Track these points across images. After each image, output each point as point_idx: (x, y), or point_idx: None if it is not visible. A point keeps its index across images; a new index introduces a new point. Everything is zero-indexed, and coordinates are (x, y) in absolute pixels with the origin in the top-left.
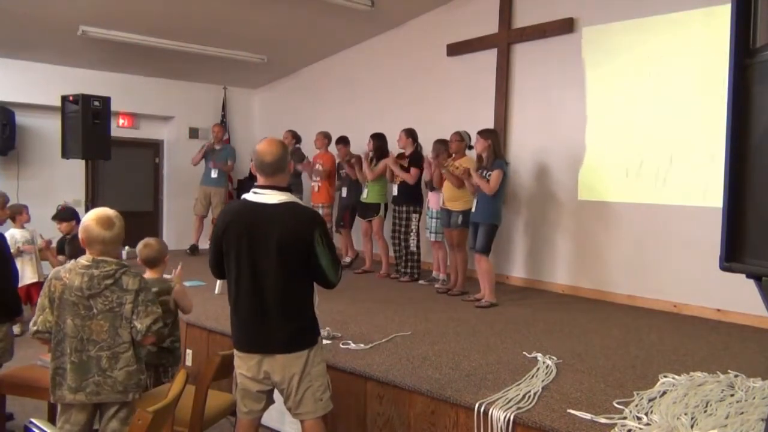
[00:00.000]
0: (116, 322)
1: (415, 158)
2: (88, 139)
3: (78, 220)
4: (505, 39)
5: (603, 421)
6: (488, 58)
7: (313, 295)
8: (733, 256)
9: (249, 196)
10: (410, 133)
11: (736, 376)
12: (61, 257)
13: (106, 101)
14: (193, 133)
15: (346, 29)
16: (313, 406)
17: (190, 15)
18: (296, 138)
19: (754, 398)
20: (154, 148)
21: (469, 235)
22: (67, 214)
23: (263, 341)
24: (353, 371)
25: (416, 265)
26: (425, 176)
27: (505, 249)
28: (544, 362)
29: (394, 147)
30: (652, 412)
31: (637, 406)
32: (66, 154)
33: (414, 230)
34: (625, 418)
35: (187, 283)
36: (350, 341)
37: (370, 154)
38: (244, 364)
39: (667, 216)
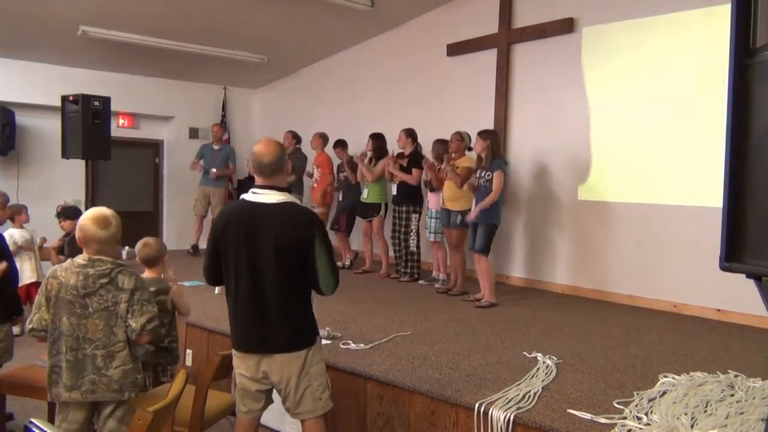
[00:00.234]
0: (111, 321)
1: (415, 158)
2: (88, 139)
3: None
4: (505, 39)
5: (603, 421)
6: (488, 58)
7: (312, 296)
8: (733, 256)
9: (248, 196)
10: (410, 133)
11: (736, 376)
12: (62, 257)
13: (106, 101)
14: (193, 133)
15: (346, 29)
16: (312, 405)
17: (190, 15)
18: (296, 138)
19: (754, 398)
20: (154, 148)
21: (469, 235)
22: (71, 213)
23: (261, 341)
24: (353, 371)
25: (416, 265)
26: (425, 176)
27: (505, 249)
28: (544, 362)
29: (394, 147)
30: (652, 412)
31: (637, 406)
32: (66, 154)
33: (414, 230)
34: (625, 418)
35: (186, 283)
36: (350, 341)
37: (369, 154)
38: (242, 364)
39: (667, 216)
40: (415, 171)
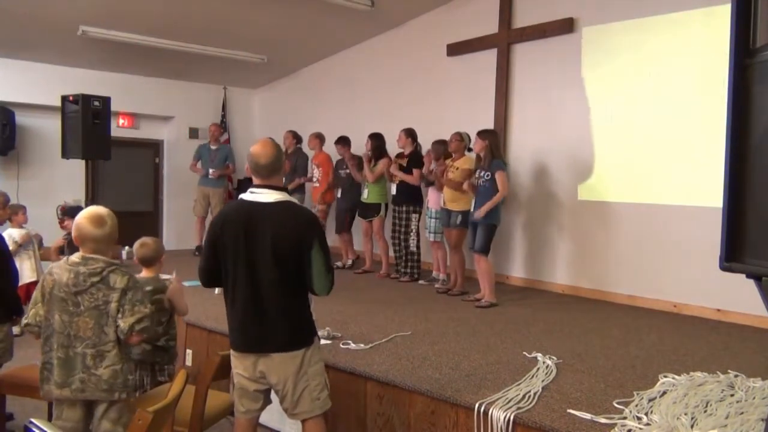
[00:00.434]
0: (102, 320)
1: (415, 158)
2: (88, 139)
3: None
4: (505, 39)
5: (603, 421)
6: (488, 58)
7: (309, 295)
8: (733, 256)
9: (246, 196)
10: (410, 133)
11: (736, 376)
12: (62, 257)
13: (106, 101)
14: (193, 133)
15: (346, 29)
16: (310, 405)
17: (190, 15)
18: (297, 138)
19: (754, 398)
20: (154, 148)
21: (468, 235)
22: (74, 212)
23: (259, 341)
24: (353, 371)
25: (416, 265)
26: (423, 169)
27: (505, 249)
28: (544, 362)
29: (394, 147)
30: (652, 412)
31: (637, 406)
32: (66, 154)
33: (414, 230)
34: (625, 418)
35: (187, 284)
36: (350, 341)
37: (369, 154)
38: (240, 364)
39: (667, 216)
40: (415, 171)
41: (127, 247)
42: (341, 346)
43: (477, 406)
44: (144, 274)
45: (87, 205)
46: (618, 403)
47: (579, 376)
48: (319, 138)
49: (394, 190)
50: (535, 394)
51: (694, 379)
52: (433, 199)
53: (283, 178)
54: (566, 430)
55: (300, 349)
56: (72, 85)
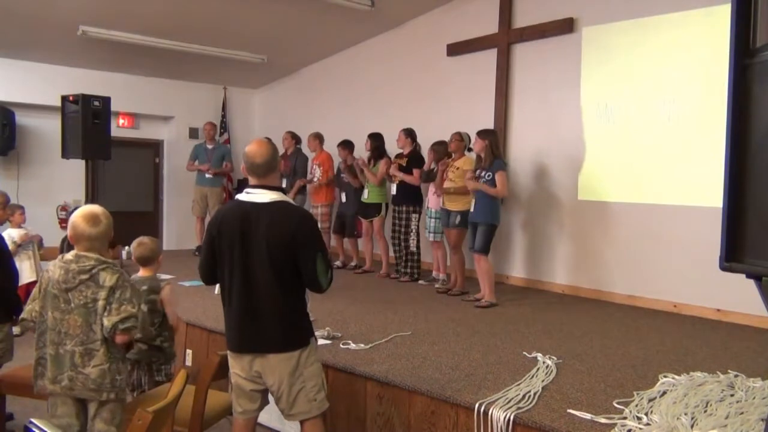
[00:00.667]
0: (90, 318)
1: (415, 158)
2: (88, 139)
3: None
4: (505, 39)
5: (603, 421)
6: (488, 58)
7: (305, 295)
8: (733, 256)
9: (241, 196)
10: (409, 133)
11: (736, 376)
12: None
13: (106, 101)
14: (193, 133)
15: (346, 29)
16: (306, 406)
17: (190, 15)
18: (296, 139)
19: (754, 398)
20: (154, 148)
21: (468, 235)
22: None
23: (253, 341)
24: (353, 371)
25: (416, 265)
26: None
27: (505, 249)
28: (544, 362)
29: (393, 147)
30: (652, 412)
31: (637, 406)
32: (66, 154)
33: (414, 230)
34: (625, 418)
35: (187, 283)
36: (350, 341)
37: (361, 159)
38: (237, 364)
39: (667, 216)
40: (415, 171)
41: (127, 247)
42: (341, 346)
43: (477, 406)
44: (141, 273)
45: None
46: (618, 403)
47: (579, 376)
48: (319, 138)
49: (394, 190)
50: (535, 394)
51: (694, 379)
52: (433, 199)
53: (282, 178)
54: (566, 430)
55: (295, 349)
56: (72, 85)
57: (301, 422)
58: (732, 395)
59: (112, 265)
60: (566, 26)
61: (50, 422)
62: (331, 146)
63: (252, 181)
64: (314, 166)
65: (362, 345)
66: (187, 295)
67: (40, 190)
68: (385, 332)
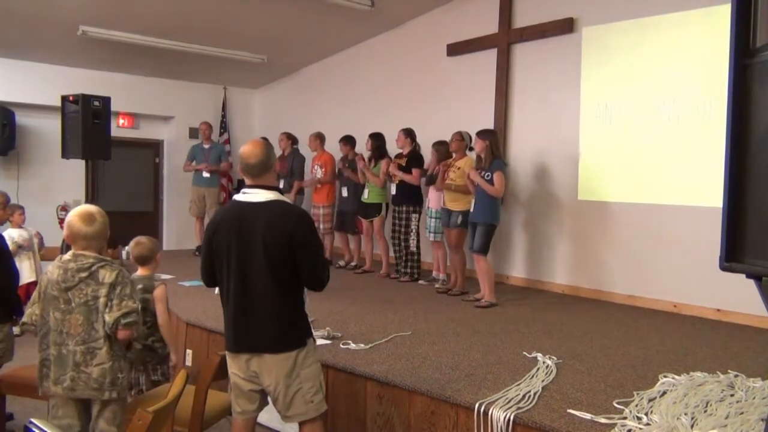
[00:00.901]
0: (92, 317)
1: (415, 158)
2: (88, 139)
3: None
4: (505, 39)
5: (603, 421)
6: (488, 58)
7: (303, 295)
8: (733, 256)
9: (238, 197)
10: (408, 133)
11: (736, 376)
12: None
13: (106, 101)
14: (193, 133)
15: (346, 29)
16: (303, 408)
17: (190, 15)
18: (292, 139)
19: (754, 398)
20: (154, 148)
21: (468, 234)
22: None
23: (250, 340)
24: (353, 371)
25: (416, 265)
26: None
27: (505, 249)
28: (544, 362)
29: (393, 147)
30: (652, 412)
31: (637, 406)
32: (66, 154)
33: (414, 230)
34: (625, 418)
35: (187, 283)
36: (350, 341)
37: (369, 154)
38: (234, 364)
39: (667, 216)
40: (414, 171)
41: (127, 247)
42: (341, 346)
43: (477, 406)
44: (140, 272)
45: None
46: (618, 403)
47: (579, 376)
48: (320, 138)
49: (394, 190)
50: (535, 394)
51: (694, 379)
52: (433, 199)
53: (279, 178)
54: (566, 430)
55: (292, 350)
56: (72, 85)
57: (300, 424)
58: (732, 395)
59: (111, 262)
60: (566, 26)
61: (50, 422)
62: (330, 147)
63: (248, 181)
64: (316, 166)
65: (362, 345)
66: (187, 295)
67: (40, 190)
68: (385, 332)
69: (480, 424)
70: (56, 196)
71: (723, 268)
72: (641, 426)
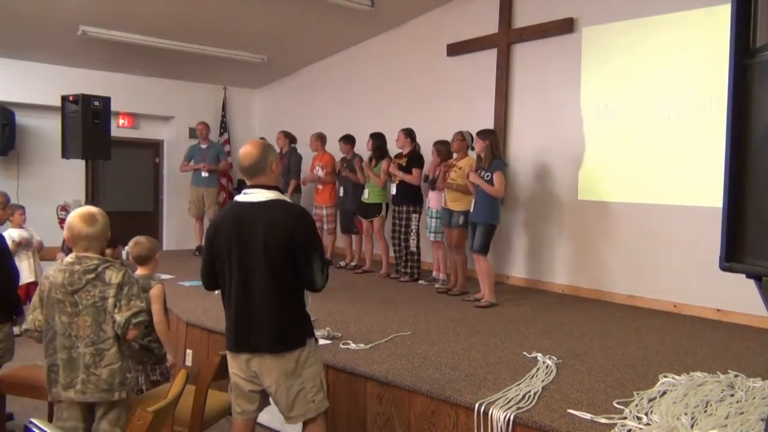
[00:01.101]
0: (100, 318)
1: (415, 158)
2: (88, 139)
3: None
4: (505, 39)
5: (603, 421)
6: (488, 58)
7: (305, 295)
8: (733, 256)
9: (239, 197)
10: (408, 133)
11: (736, 376)
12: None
13: (106, 101)
14: (193, 133)
15: (346, 29)
16: (304, 407)
17: (190, 15)
18: (290, 138)
19: (754, 398)
20: (154, 148)
21: (468, 235)
22: None
23: (250, 340)
24: (353, 371)
25: (416, 265)
26: (425, 170)
27: (505, 249)
28: (544, 362)
29: (393, 147)
30: (652, 412)
31: (637, 406)
32: (66, 154)
33: (414, 230)
34: (625, 418)
35: (186, 283)
36: (350, 341)
37: (370, 154)
38: (235, 364)
39: (667, 216)
40: (415, 171)
41: (127, 247)
42: (341, 346)
43: (477, 406)
44: (139, 272)
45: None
46: (618, 403)
47: (579, 376)
48: (321, 138)
49: (394, 190)
50: (535, 394)
51: (694, 379)
52: (433, 199)
53: (279, 177)
54: (566, 430)
55: (293, 350)
56: (72, 85)
57: (303, 423)
58: (732, 395)
59: (114, 263)
60: (566, 26)
61: (55, 424)
62: (330, 147)
63: (247, 182)
64: (317, 166)
65: (362, 345)
66: (187, 295)
67: (40, 190)
68: (385, 332)
69: (480, 424)
70: (56, 196)
71: (723, 268)
72: (641, 426)
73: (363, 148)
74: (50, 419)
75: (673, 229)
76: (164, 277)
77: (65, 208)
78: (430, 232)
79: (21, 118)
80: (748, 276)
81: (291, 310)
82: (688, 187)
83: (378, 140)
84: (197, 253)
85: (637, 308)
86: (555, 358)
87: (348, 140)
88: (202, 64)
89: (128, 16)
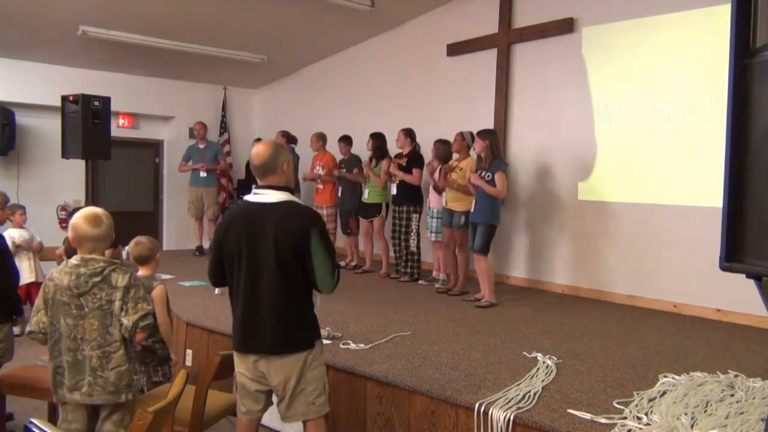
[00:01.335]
0: (106, 320)
1: (415, 158)
2: (88, 139)
3: None
4: (505, 39)
5: (603, 421)
6: (488, 58)
7: (313, 297)
8: (733, 256)
9: (249, 197)
10: (408, 133)
11: (736, 376)
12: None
13: (106, 101)
14: (193, 133)
15: (346, 29)
16: (304, 408)
17: (190, 15)
18: (289, 138)
19: (754, 398)
20: (154, 148)
21: (468, 235)
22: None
23: (259, 341)
24: (353, 371)
25: (416, 265)
26: (426, 176)
27: (505, 249)
28: (544, 362)
29: (393, 147)
30: (652, 412)
31: (637, 406)
32: (66, 154)
33: (414, 230)
34: (625, 418)
35: (186, 283)
36: (350, 341)
37: (370, 154)
38: (242, 364)
39: (667, 216)
40: (415, 171)
41: (127, 247)
42: (341, 346)
43: (477, 406)
44: (140, 272)
45: (87, 205)
46: (618, 403)
47: (579, 376)
48: (322, 138)
49: (394, 190)
50: (535, 394)
51: (694, 379)
52: (434, 199)
53: (291, 178)
54: (566, 430)
55: (302, 351)
56: (72, 85)
57: (304, 423)
58: (732, 395)
59: (120, 265)
60: (566, 26)
61: (60, 426)
62: (330, 147)
63: (258, 181)
64: (317, 166)
65: (362, 345)
66: (187, 295)
67: (40, 190)
68: (385, 332)
69: (480, 424)
70: (56, 196)
71: (723, 268)
72: (641, 426)
73: (363, 148)
74: (50, 419)
75: (673, 229)
76: (164, 277)
77: (65, 208)
78: (430, 232)
79: (21, 118)
80: (748, 276)
81: (300, 311)
82: (688, 187)
83: (378, 140)
84: (197, 253)
85: (637, 308)
86: (555, 358)
87: (346, 141)
88: (202, 64)
89: (128, 16)
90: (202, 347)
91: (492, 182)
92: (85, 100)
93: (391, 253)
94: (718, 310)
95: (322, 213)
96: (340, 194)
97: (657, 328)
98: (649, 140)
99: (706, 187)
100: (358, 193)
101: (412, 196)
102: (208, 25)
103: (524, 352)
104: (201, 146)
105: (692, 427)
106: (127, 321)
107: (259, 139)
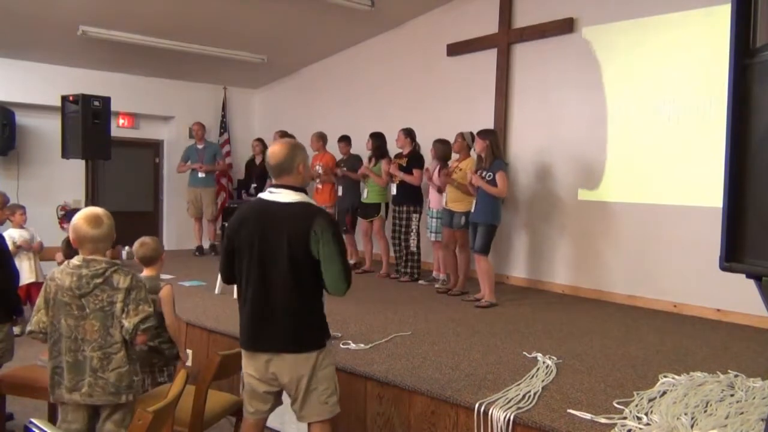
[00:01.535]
0: (107, 322)
1: (415, 158)
2: (88, 139)
3: None
4: (505, 39)
5: (603, 421)
6: (488, 58)
7: (324, 297)
8: (733, 256)
9: (264, 195)
10: (408, 133)
11: (736, 376)
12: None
13: (106, 101)
14: (192, 133)
15: (346, 29)
16: (318, 408)
17: (190, 15)
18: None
19: (754, 398)
20: (154, 148)
21: (469, 235)
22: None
23: (270, 340)
24: (353, 371)
25: (416, 265)
26: (434, 180)
27: (505, 249)
28: (544, 362)
29: (393, 147)
30: (652, 412)
31: (637, 406)
32: (66, 154)
33: (414, 230)
34: (625, 418)
35: (186, 283)
36: (350, 341)
37: (369, 153)
38: (251, 364)
39: (667, 216)
40: (415, 171)
41: (127, 247)
42: (341, 346)
43: (477, 406)
44: (145, 273)
45: (87, 205)
46: (618, 403)
47: (579, 376)
48: (322, 138)
49: (394, 190)
50: (535, 394)
51: (694, 379)
52: (434, 199)
53: (307, 179)
54: (566, 430)
55: (313, 350)
56: (72, 85)
57: (309, 425)
58: (732, 395)
59: (122, 267)
60: (566, 26)
61: (60, 426)
62: (329, 147)
63: (273, 180)
64: (317, 166)
65: (362, 345)
66: (187, 295)
67: (40, 190)
68: (385, 332)
69: (480, 424)
70: (56, 196)
71: (723, 268)
72: (641, 426)
73: (363, 148)
74: (50, 419)
75: (673, 229)
76: (165, 277)
77: (65, 208)
78: (430, 232)
79: (21, 118)
80: (748, 276)
81: (311, 311)
82: (688, 187)
83: (378, 140)
84: (197, 253)
85: (637, 308)
86: (555, 358)
87: (346, 141)
88: (202, 64)
89: (128, 16)
90: (202, 347)
91: (493, 182)
92: (85, 100)
93: (391, 253)
94: (718, 310)
95: None
96: (340, 193)
97: (657, 328)
98: (649, 140)
99: (706, 187)
100: (359, 192)
101: (412, 196)
102: (208, 25)
103: (524, 352)
104: (199, 147)
105: (692, 427)
106: (127, 323)
107: (282, 133)
